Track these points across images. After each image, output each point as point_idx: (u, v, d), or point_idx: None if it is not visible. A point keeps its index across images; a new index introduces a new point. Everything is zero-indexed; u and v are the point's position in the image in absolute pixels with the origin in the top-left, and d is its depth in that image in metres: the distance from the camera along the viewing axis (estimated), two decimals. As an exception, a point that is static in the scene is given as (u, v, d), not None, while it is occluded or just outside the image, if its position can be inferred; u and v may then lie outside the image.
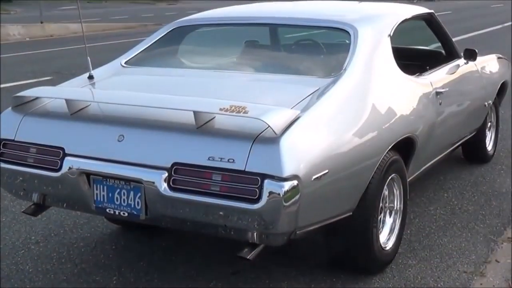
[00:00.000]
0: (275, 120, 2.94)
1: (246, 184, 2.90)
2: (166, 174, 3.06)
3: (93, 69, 4.07)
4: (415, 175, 4.28)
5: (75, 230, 4.55)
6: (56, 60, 14.62)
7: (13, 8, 36.74)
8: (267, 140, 2.93)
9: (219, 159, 2.96)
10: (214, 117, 3.12)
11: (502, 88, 5.98)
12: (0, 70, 12.14)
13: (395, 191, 3.88)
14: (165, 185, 3.06)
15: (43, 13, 24.13)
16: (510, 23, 21.04)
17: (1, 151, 3.53)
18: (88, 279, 3.82)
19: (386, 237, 3.84)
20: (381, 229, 3.76)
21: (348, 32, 3.92)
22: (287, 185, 2.85)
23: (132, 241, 4.33)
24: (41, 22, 23.02)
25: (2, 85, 10.57)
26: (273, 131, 2.90)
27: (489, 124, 5.94)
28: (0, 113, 3.69)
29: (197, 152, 3.04)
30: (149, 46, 4.38)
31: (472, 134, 5.48)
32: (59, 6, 37.46)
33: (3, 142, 3.53)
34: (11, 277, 3.87)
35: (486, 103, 5.47)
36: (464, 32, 17.51)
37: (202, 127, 3.09)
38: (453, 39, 5.30)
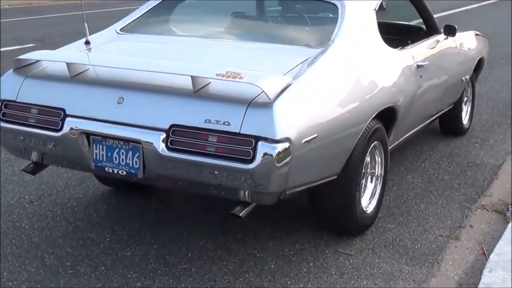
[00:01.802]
0: (269, 85, 3.08)
1: (241, 145, 3.05)
2: (164, 135, 3.19)
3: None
4: (395, 144, 4.47)
5: (67, 191, 4.69)
6: (37, 28, 14.59)
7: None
8: (261, 104, 3.08)
9: (215, 122, 3.10)
10: (210, 82, 3.25)
11: (479, 64, 6.21)
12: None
13: (377, 158, 4.08)
14: (163, 145, 3.19)
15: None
16: (486, 2, 21.30)
17: (3, 111, 3.63)
18: (83, 236, 3.98)
19: (368, 201, 4.04)
20: (363, 194, 3.95)
21: (335, 5, 4.06)
22: (280, 147, 3.01)
23: (124, 202, 4.49)
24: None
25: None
26: (267, 96, 3.05)
27: (466, 98, 6.15)
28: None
29: (194, 115, 3.17)
30: (143, 14, 4.50)
31: (449, 108, 5.69)
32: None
33: (5, 102, 3.63)
34: (8, 233, 4.01)
35: (463, 78, 5.67)
36: (442, 9, 17.70)
37: (199, 91, 3.22)
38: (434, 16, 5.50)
